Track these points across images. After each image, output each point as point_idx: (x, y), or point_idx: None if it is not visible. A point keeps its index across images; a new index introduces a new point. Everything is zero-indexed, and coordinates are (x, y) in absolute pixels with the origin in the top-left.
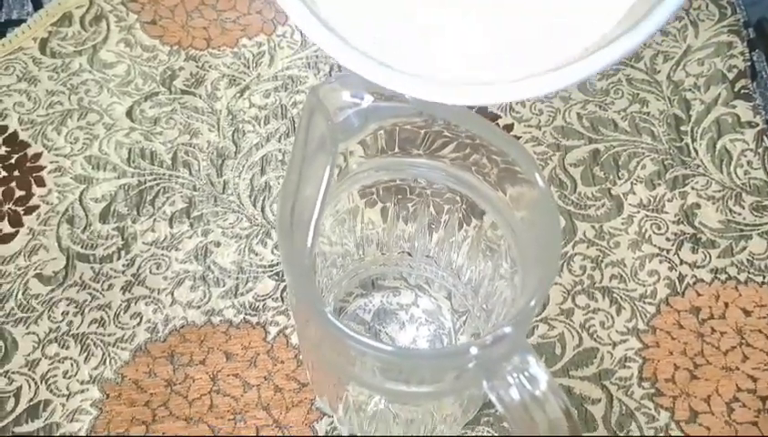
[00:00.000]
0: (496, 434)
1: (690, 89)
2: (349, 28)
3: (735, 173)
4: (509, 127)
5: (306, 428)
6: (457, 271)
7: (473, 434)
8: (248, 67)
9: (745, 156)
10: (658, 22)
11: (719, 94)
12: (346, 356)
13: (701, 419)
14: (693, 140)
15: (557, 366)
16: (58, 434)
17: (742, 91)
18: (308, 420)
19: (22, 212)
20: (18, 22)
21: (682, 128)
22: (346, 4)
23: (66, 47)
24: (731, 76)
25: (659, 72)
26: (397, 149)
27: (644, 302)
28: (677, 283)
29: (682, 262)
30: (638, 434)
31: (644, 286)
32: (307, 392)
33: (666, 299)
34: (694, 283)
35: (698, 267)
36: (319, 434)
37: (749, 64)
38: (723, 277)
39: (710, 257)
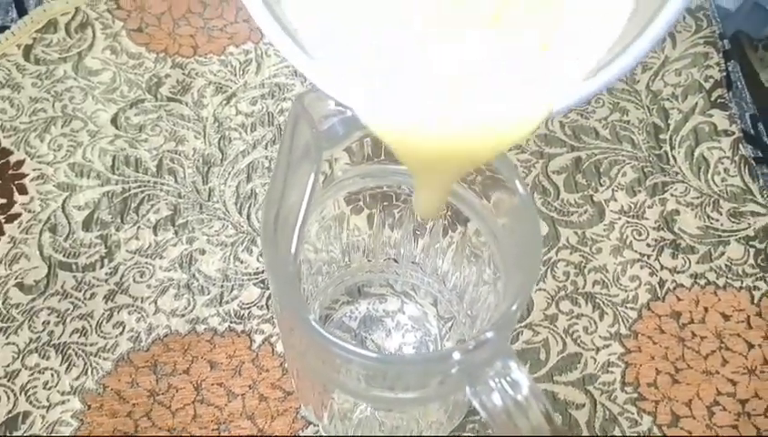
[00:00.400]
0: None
1: (668, 99)
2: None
3: (713, 180)
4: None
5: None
6: (442, 277)
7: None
8: (235, 75)
9: (722, 163)
10: (652, 39)
11: (696, 103)
12: (331, 364)
13: (682, 423)
14: (672, 148)
15: (541, 371)
16: None
17: (719, 100)
18: (293, 429)
19: (3, 220)
20: (2, 29)
21: (661, 137)
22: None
23: (51, 54)
24: (707, 85)
25: (638, 81)
26: (383, 157)
27: (626, 307)
28: (658, 288)
29: (662, 267)
30: None
31: (626, 291)
32: (292, 401)
33: (647, 304)
34: (674, 288)
35: (678, 272)
36: None
37: (725, 74)
38: (703, 282)
39: (689, 262)
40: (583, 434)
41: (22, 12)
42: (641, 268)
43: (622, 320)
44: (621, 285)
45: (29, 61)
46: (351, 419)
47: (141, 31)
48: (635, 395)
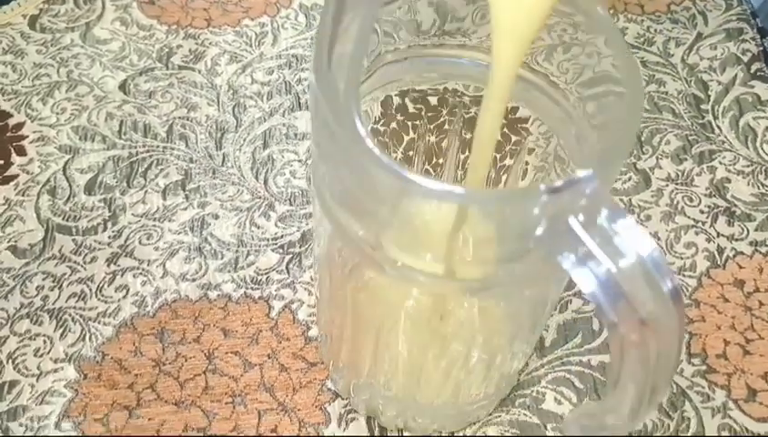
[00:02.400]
0: (532, 417)
1: (705, 71)
2: None
3: (762, 148)
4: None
5: (316, 411)
6: None
7: (508, 417)
8: (251, 46)
9: None
10: None
11: (735, 75)
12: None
13: (760, 397)
14: (715, 118)
15: (596, 342)
16: (24, 418)
17: (758, 73)
18: (318, 402)
19: None
20: (8, 1)
21: (703, 107)
22: None
23: (58, 24)
24: (745, 58)
25: (672, 55)
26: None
27: (684, 275)
28: (717, 255)
29: (719, 235)
30: (693, 415)
31: (682, 258)
32: (316, 372)
33: (707, 272)
34: (734, 256)
35: (736, 240)
36: (332, 418)
37: (761, 49)
38: (764, 250)
39: (747, 230)
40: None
41: None
42: (697, 234)
43: (682, 288)
44: (676, 252)
45: (34, 29)
46: (398, 363)
47: (153, 3)
48: (704, 368)
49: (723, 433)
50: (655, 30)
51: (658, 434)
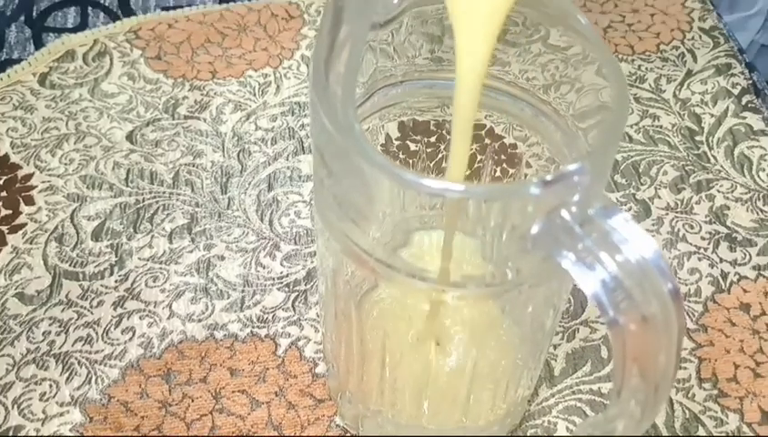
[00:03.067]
0: None
1: (698, 105)
2: None
3: (759, 176)
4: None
5: None
6: None
7: None
8: (254, 95)
9: (765, 160)
10: None
11: (727, 107)
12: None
13: None
14: (710, 148)
15: (605, 370)
16: None
17: (749, 105)
18: None
19: (6, 231)
20: (19, 61)
21: (697, 138)
22: None
23: (67, 80)
24: (735, 91)
25: (664, 91)
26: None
27: (689, 301)
28: (721, 280)
29: (721, 260)
30: None
31: (687, 284)
32: (325, 409)
33: (712, 297)
34: (738, 280)
35: (739, 264)
36: None
37: (750, 82)
38: None
39: (749, 255)
40: (664, 435)
41: (40, 47)
42: (700, 260)
43: (688, 314)
44: (680, 278)
45: (44, 86)
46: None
47: (159, 59)
48: (715, 392)
49: None
50: (646, 68)
51: None
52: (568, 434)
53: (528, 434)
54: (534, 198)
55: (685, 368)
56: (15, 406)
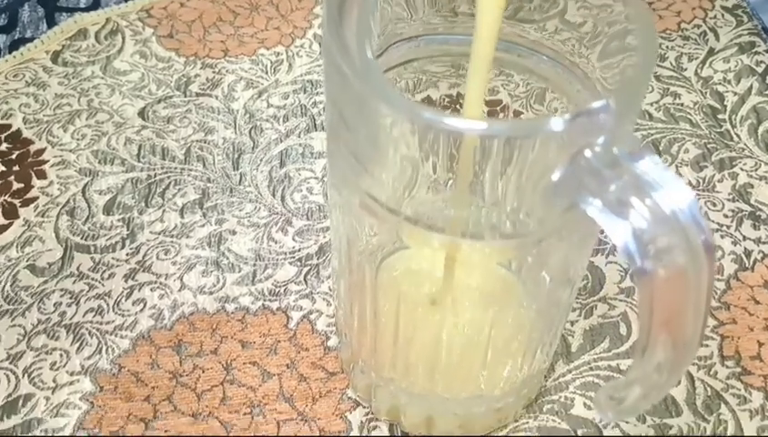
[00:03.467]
0: (561, 423)
1: (720, 83)
2: None
3: None
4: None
5: (337, 419)
6: None
7: (536, 423)
8: (267, 73)
9: None
10: None
11: (751, 85)
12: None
13: None
14: (733, 127)
15: (624, 346)
16: (39, 431)
17: None
18: (338, 410)
19: (18, 204)
20: (32, 39)
21: (720, 116)
22: None
23: (79, 58)
24: (759, 69)
25: (686, 69)
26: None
27: None
28: (744, 258)
29: (744, 238)
30: (731, 418)
31: None
32: (336, 382)
33: (735, 275)
34: (762, 258)
35: (763, 242)
36: (353, 427)
37: None
38: None
39: None
40: (685, 413)
41: (52, 26)
42: (722, 237)
43: None
44: None
45: (57, 64)
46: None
47: (171, 37)
48: (739, 370)
49: (765, 434)
50: (667, 47)
51: (695, 435)
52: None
53: (544, 410)
54: (557, 136)
55: (707, 345)
56: (26, 375)
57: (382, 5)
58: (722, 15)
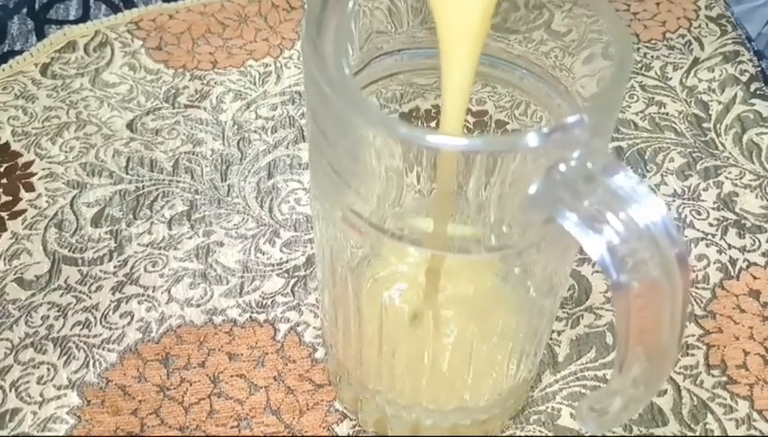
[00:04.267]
0: (548, 434)
1: (705, 92)
2: None
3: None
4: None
5: (324, 432)
6: None
7: (522, 434)
8: (255, 84)
9: None
10: None
11: (735, 94)
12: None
13: None
14: (718, 135)
15: (610, 356)
16: None
17: (758, 92)
18: (325, 423)
19: (6, 217)
20: (21, 52)
21: (705, 125)
22: None
23: (68, 70)
24: (744, 79)
25: (671, 79)
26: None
27: (697, 287)
28: (729, 267)
29: (730, 246)
30: (717, 427)
31: (695, 271)
32: (324, 394)
33: (721, 284)
34: (748, 267)
35: (748, 251)
36: None
37: (759, 69)
38: None
39: (759, 241)
40: (671, 423)
41: (42, 38)
42: (708, 246)
43: (696, 301)
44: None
45: (45, 76)
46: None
47: (160, 49)
48: (724, 379)
49: None
50: (652, 56)
51: None
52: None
53: (530, 421)
54: (532, 151)
55: (693, 354)
56: (13, 389)
57: (363, 18)
58: (707, 25)
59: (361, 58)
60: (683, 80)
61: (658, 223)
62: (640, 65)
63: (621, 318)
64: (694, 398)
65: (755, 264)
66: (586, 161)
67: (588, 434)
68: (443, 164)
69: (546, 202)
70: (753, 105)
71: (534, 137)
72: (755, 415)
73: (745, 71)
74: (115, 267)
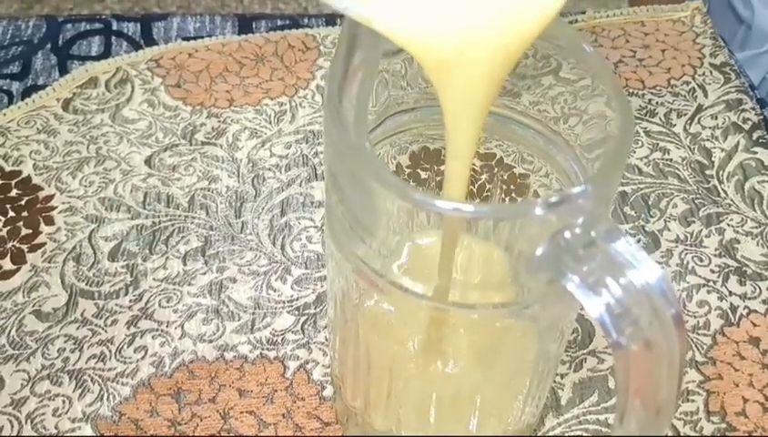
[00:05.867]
0: None
1: (708, 139)
2: None
3: None
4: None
5: None
6: None
7: None
8: (270, 123)
9: None
10: None
11: (738, 142)
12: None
13: None
14: (720, 182)
15: (612, 400)
16: None
17: (760, 140)
18: None
19: (26, 249)
20: (44, 87)
21: (707, 172)
22: None
23: (89, 105)
24: (746, 127)
25: (675, 125)
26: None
27: (698, 333)
28: (730, 314)
29: (731, 293)
30: None
31: (696, 317)
32: (331, 432)
33: (721, 330)
34: (748, 314)
35: (749, 298)
36: None
37: (761, 118)
38: None
39: (759, 289)
40: None
41: (64, 74)
42: (709, 293)
43: (697, 347)
44: (689, 311)
45: (67, 111)
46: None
47: (179, 87)
48: (724, 425)
49: None
50: (657, 103)
51: None
52: None
53: None
54: (538, 219)
55: (693, 401)
56: (29, 421)
57: (380, 80)
58: (711, 73)
59: (378, 115)
60: (687, 127)
61: (654, 286)
62: (644, 111)
63: (620, 375)
64: None
65: (755, 311)
66: (589, 229)
67: None
68: (449, 227)
69: (550, 264)
70: (756, 153)
71: (541, 207)
72: None
73: (748, 119)
74: (130, 301)
